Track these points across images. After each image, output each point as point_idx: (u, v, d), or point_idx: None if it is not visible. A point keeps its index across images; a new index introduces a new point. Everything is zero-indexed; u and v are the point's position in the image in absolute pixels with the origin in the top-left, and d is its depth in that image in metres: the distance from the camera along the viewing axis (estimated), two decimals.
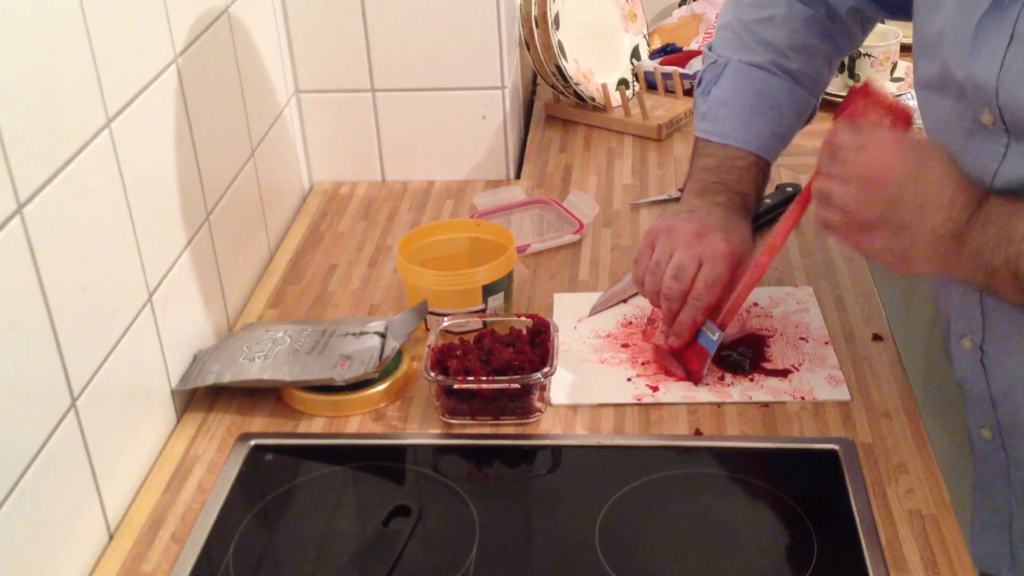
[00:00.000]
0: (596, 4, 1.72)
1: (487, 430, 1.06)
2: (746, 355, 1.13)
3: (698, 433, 1.04)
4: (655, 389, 1.09)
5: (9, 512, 0.81)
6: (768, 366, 1.11)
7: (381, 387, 1.09)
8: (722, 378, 1.10)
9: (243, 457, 1.03)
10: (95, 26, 0.93)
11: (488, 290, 1.18)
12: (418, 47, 1.48)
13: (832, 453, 1.00)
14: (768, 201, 1.38)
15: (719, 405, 1.06)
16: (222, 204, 1.22)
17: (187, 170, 1.13)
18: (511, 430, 1.05)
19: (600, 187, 1.51)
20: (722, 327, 1.08)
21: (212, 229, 1.19)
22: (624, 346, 1.15)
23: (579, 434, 1.05)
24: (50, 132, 0.86)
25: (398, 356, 1.12)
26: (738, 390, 1.08)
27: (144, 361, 1.03)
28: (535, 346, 1.09)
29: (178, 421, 1.09)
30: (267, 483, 1.02)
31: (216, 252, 1.20)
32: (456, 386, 1.05)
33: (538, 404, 1.06)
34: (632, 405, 1.07)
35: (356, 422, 1.08)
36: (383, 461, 1.04)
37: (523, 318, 1.13)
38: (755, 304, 1.20)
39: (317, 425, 1.08)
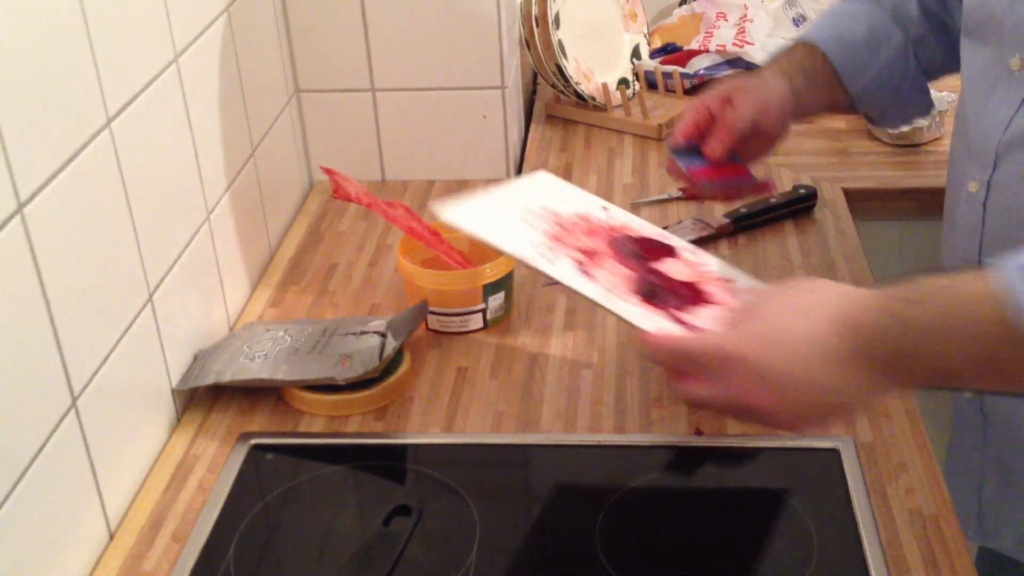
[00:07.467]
0: (596, 3, 1.72)
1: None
2: None
3: (698, 433, 1.04)
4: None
5: (9, 512, 0.81)
6: None
7: (381, 387, 1.09)
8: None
9: (243, 457, 1.03)
10: (95, 26, 0.93)
11: (488, 290, 1.18)
12: (418, 47, 1.48)
13: (832, 452, 1.00)
14: (773, 200, 1.38)
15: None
16: (222, 204, 1.22)
17: (187, 170, 1.13)
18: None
19: (600, 186, 1.51)
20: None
21: (212, 229, 1.19)
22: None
23: (579, 434, 1.05)
24: (50, 132, 0.86)
25: (398, 355, 1.12)
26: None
27: (144, 361, 1.03)
28: None
29: (178, 421, 1.09)
30: (267, 483, 1.02)
31: (216, 252, 1.20)
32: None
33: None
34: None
35: (356, 422, 1.08)
36: (383, 461, 1.04)
37: None
38: None
39: (317, 425, 1.08)
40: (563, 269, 0.98)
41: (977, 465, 1.11)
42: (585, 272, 0.99)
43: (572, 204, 1.12)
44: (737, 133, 1.13)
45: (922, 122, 1.56)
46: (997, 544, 1.12)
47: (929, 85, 1.23)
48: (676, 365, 0.85)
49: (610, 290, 0.97)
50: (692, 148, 1.16)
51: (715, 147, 1.14)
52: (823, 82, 1.17)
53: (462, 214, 1.03)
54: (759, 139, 1.15)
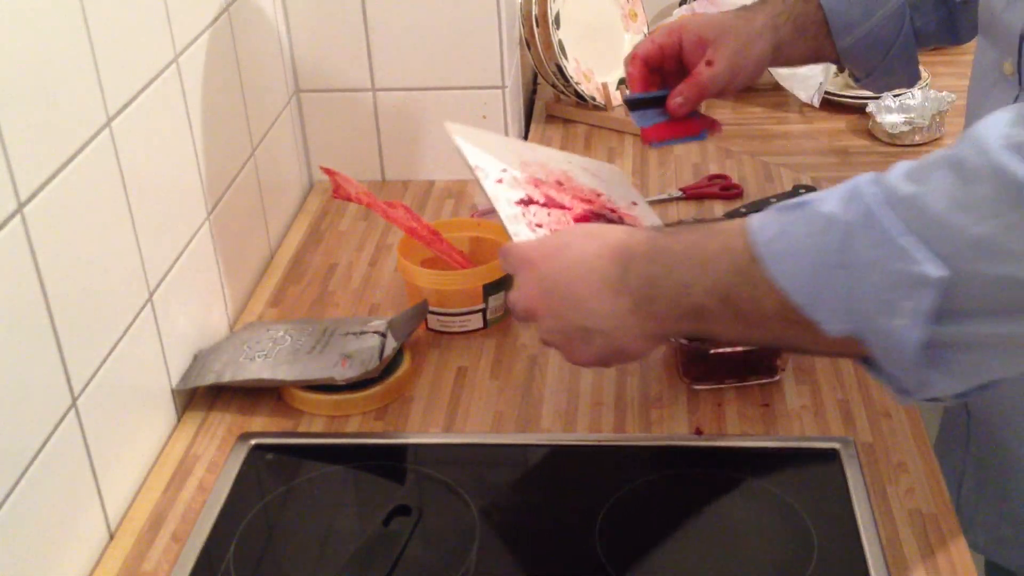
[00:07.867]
0: (597, 3, 1.72)
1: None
2: None
3: (698, 433, 1.04)
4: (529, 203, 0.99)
5: (9, 512, 0.81)
6: None
7: (381, 386, 1.09)
8: None
9: (243, 457, 1.03)
10: (95, 25, 0.93)
11: (488, 290, 1.18)
12: (418, 47, 1.48)
13: (832, 452, 1.00)
14: (773, 200, 1.38)
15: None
16: (223, 203, 1.22)
17: (187, 170, 1.13)
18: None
19: None
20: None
21: (212, 229, 1.19)
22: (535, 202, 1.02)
23: (579, 434, 1.05)
24: (50, 132, 0.86)
25: (398, 355, 1.12)
26: None
27: (144, 361, 1.03)
28: None
29: (178, 421, 1.09)
30: (267, 483, 1.02)
31: (217, 252, 1.20)
32: (712, 351, 1.03)
33: (779, 363, 1.07)
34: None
35: (356, 422, 1.08)
36: (383, 461, 1.04)
37: None
38: None
39: (317, 425, 1.08)
40: (502, 191, 0.98)
41: (959, 462, 1.13)
42: (524, 204, 0.99)
43: (598, 183, 1.09)
44: (706, 94, 1.11)
45: (921, 122, 1.56)
46: (971, 541, 1.12)
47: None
48: (507, 269, 0.89)
49: (525, 219, 0.97)
50: (650, 97, 1.12)
51: (680, 104, 1.12)
52: (811, 31, 1.15)
53: (467, 132, 1.01)
54: (722, 92, 1.14)
